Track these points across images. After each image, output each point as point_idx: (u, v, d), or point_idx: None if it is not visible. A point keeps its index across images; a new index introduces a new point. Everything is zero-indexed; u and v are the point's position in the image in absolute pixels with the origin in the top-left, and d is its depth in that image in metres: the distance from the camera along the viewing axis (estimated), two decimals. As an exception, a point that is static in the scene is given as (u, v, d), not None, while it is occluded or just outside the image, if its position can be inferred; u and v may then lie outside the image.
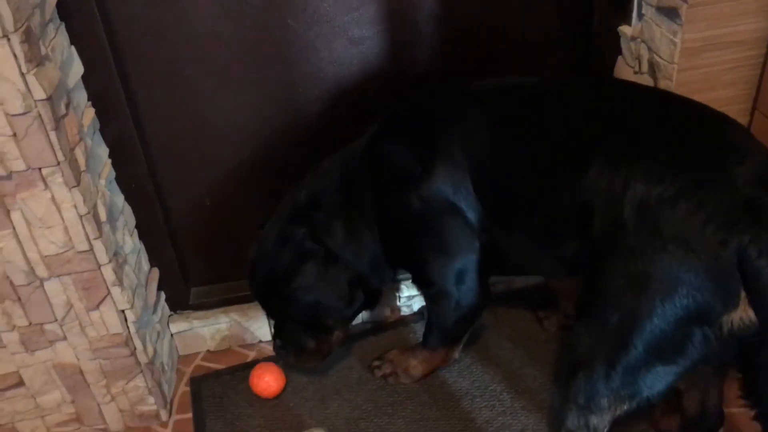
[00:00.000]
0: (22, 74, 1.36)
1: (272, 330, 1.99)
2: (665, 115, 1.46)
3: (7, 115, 1.39)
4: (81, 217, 1.56)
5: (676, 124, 1.44)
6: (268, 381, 1.96)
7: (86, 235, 1.59)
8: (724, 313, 1.29)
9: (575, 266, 1.54)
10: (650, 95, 1.58)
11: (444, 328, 1.87)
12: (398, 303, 2.19)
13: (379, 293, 1.91)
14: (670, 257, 1.29)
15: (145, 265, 1.98)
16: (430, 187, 1.64)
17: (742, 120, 1.71)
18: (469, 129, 1.62)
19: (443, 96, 1.74)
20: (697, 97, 1.65)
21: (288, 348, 1.91)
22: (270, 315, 1.92)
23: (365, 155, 1.76)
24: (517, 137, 1.59)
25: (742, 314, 1.28)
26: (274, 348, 1.94)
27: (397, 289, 2.16)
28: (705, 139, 1.39)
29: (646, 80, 1.73)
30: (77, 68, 1.62)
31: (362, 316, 2.18)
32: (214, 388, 2.03)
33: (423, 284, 1.84)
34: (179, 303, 2.13)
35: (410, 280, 1.96)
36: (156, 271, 2.03)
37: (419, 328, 2.10)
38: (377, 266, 1.81)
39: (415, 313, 2.21)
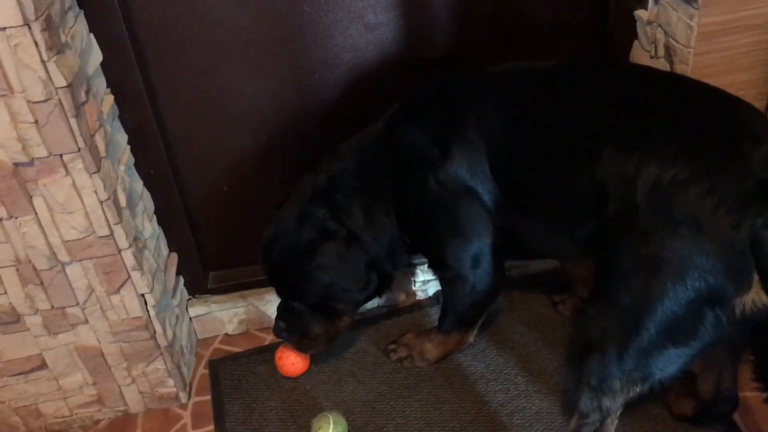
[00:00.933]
0: (43, 62, 1.38)
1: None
2: (679, 98, 1.46)
3: (28, 102, 1.41)
4: (101, 202, 1.59)
5: (690, 107, 1.43)
6: (294, 360, 1.99)
7: (106, 220, 1.61)
8: (737, 296, 1.29)
9: (590, 248, 1.55)
10: (664, 79, 1.58)
11: (459, 312, 1.89)
12: (413, 287, 2.21)
13: (390, 279, 1.92)
14: (682, 239, 1.29)
15: (164, 249, 2.01)
16: (447, 171, 1.65)
17: (759, 104, 1.70)
18: (486, 112, 1.63)
19: (459, 79, 1.74)
20: (714, 82, 1.64)
21: (291, 332, 1.90)
22: (280, 294, 1.91)
23: (382, 139, 1.77)
24: (533, 120, 1.59)
25: (755, 297, 1.28)
26: (275, 329, 1.91)
27: (413, 274, 2.18)
28: (719, 122, 1.38)
29: (662, 64, 1.72)
30: (96, 55, 1.64)
31: (377, 300, 2.20)
32: (232, 371, 2.06)
33: (439, 268, 1.85)
34: (197, 287, 2.15)
35: (426, 265, 1.97)
36: (175, 256, 2.06)
37: (434, 312, 2.12)
38: (393, 251, 1.82)
39: (430, 297, 2.23)
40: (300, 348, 1.94)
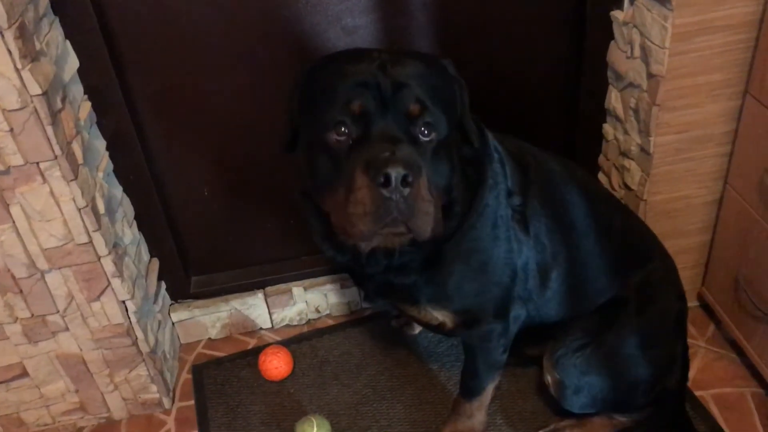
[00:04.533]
0: (17, 70, 1.37)
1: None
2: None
3: (3, 110, 1.41)
4: (80, 209, 1.58)
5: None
6: (277, 364, 1.99)
7: (85, 227, 1.60)
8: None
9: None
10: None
11: (494, 362, 1.69)
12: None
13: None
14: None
15: (145, 255, 2.01)
16: (520, 213, 1.57)
17: (734, 103, 1.72)
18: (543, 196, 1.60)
19: (526, 149, 1.63)
20: (689, 81, 1.67)
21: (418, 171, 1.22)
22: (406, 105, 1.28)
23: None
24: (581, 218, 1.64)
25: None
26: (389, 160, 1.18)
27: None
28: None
29: (638, 65, 1.73)
30: (72, 62, 1.63)
31: (361, 303, 2.21)
32: (216, 376, 2.06)
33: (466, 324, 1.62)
34: (180, 292, 2.15)
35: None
36: (156, 262, 2.05)
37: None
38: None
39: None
40: (416, 198, 1.20)
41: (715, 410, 1.82)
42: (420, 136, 1.26)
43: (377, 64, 1.25)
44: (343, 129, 1.23)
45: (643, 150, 1.81)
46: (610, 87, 1.92)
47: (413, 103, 1.24)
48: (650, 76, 1.70)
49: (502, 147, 1.55)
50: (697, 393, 1.86)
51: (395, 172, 1.14)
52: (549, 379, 1.70)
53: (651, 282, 1.68)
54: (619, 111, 1.89)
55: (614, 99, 1.90)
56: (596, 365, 1.63)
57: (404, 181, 1.15)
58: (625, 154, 1.91)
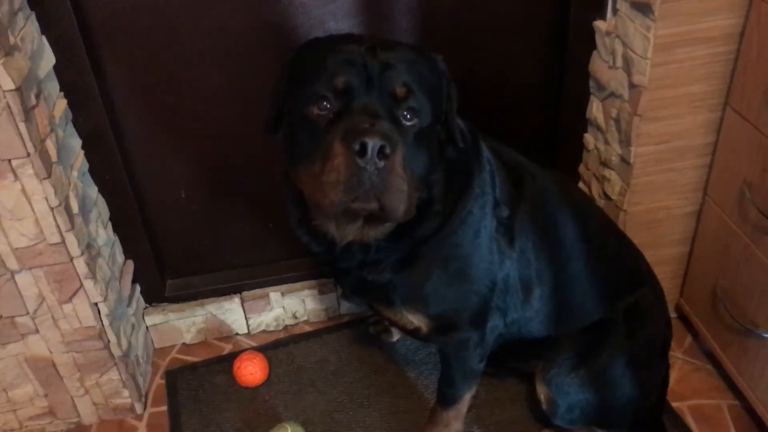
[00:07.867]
0: (-10, 64, 1.34)
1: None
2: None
3: (-25, 105, 1.37)
4: (52, 209, 1.54)
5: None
6: (253, 370, 1.96)
7: (58, 227, 1.57)
8: None
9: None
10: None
11: (470, 370, 1.68)
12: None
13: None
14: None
15: (120, 257, 1.97)
16: (505, 226, 1.56)
17: (714, 115, 1.73)
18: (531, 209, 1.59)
19: (522, 163, 1.63)
20: (670, 93, 1.68)
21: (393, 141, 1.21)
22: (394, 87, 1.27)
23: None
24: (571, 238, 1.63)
25: None
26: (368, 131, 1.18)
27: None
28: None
29: (620, 75, 1.74)
30: (48, 58, 1.60)
31: (338, 309, 2.19)
32: (190, 381, 2.03)
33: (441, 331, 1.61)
34: (155, 295, 2.12)
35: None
36: (131, 264, 2.02)
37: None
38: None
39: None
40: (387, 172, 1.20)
41: (691, 422, 1.82)
42: (402, 119, 1.26)
43: (367, 46, 1.26)
44: (325, 103, 1.24)
45: (624, 160, 1.82)
46: (592, 97, 1.93)
47: (400, 86, 1.24)
48: (632, 86, 1.70)
49: (496, 159, 1.55)
50: (674, 404, 1.86)
51: (372, 142, 1.15)
52: (542, 396, 1.68)
53: (640, 307, 1.67)
54: (601, 121, 1.89)
55: (596, 109, 1.91)
56: (589, 385, 1.63)
57: (380, 153, 1.16)
58: (605, 164, 1.92)
